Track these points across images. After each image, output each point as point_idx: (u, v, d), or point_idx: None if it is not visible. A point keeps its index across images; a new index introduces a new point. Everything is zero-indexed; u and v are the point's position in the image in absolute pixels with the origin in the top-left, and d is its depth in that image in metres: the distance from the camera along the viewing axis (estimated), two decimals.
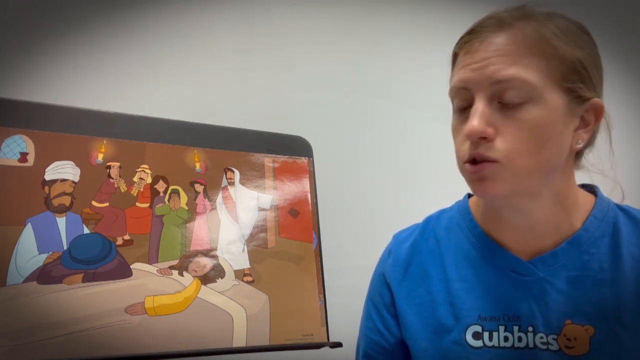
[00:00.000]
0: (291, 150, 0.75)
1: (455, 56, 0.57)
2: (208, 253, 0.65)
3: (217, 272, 0.65)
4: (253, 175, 0.71)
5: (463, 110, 0.54)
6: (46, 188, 0.58)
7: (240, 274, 0.66)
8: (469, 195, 0.68)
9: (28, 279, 0.54)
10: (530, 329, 0.56)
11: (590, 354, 0.53)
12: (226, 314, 0.62)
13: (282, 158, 0.73)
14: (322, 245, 0.76)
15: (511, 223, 0.58)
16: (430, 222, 0.68)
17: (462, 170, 0.55)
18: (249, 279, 0.66)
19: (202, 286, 0.63)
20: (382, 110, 1.25)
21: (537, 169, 0.52)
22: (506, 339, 0.57)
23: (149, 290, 0.59)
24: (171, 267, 0.62)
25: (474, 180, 0.53)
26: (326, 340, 0.66)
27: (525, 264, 0.58)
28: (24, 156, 0.57)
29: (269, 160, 0.72)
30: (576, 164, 0.60)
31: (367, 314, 0.69)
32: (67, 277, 0.56)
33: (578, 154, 0.59)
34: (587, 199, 0.61)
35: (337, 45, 1.20)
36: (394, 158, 1.22)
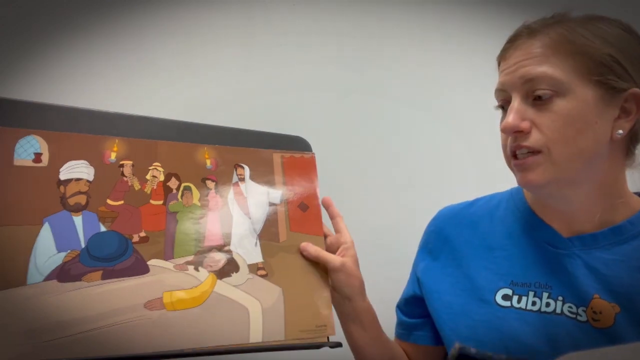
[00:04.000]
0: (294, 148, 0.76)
1: (499, 63, 0.65)
2: (222, 248, 0.66)
3: (231, 267, 0.66)
4: (262, 171, 0.72)
5: (504, 110, 0.62)
6: (61, 188, 0.58)
7: (254, 268, 0.67)
8: None
9: (48, 278, 0.54)
10: (560, 298, 0.60)
11: (614, 327, 0.57)
12: (242, 307, 0.63)
13: (290, 153, 0.74)
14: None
15: (555, 208, 0.63)
16: (480, 200, 0.76)
17: (508, 164, 0.62)
18: (263, 272, 0.67)
19: (218, 281, 0.64)
20: (382, 111, 1.27)
21: (574, 157, 0.57)
22: (534, 303, 0.60)
23: (167, 285, 0.60)
24: (187, 263, 0.63)
25: (519, 171, 0.59)
26: (333, 334, 0.67)
27: (563, 239, 0.62)
28: (38, 156, 0.58)
29: (277, 156, 0.73)
30: (629, 161, 0.63)
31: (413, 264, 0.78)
32: (87, 274, 0.56)
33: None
34: (638, 201, 0.64)
35: (338, 45, 1.22)
36: (394, 158, 1.24)
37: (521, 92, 0.58)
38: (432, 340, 0.72)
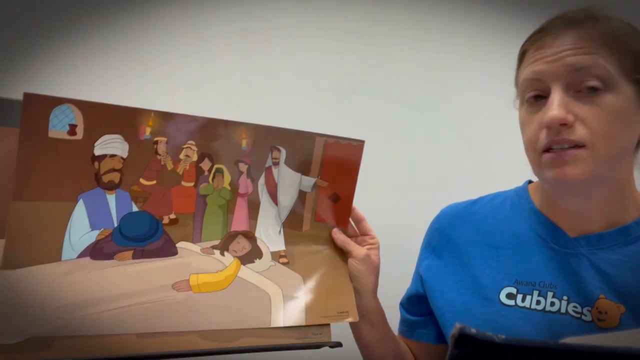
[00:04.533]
0: None
1: (524, 53, 0.61)
2: (247, 234, 0.67)
3: (255, 253, 0.67)
4: (300, 155, 0.70)
5: (535, 101, 0.58)
6: (96, 164, 0.57)
7: (276, 256, 0.68)
8: (529, 182, 0.72)
9: (81, 255, 0.55)
10: (565, 297, 0.60)
11: (619, 327, 0.57)
12: (264, 293, 0.65)
13: (335, 139, 0.71)
14: None
15: (565, 207, 0.62)
16: (484, 198, 0.74)
17: (534, 159, 0.59)
18: (285, 260, 0.68)
19: (242, 266, 0.65)
20: (382, 111, 1.26)
21: (614, 154, 0.56)
22: (538, 302, 0.61)
23: (193, 268, 0.61)
24: (213, 247, 0.64)
25: (555, 165, 0.56)
26: (356, 319, 0.68)
27: (569, 238, 0.62)
28: (72, 128, 0.56)
29: (320, 140, 0.70)
30: (636, 159, 0.62)
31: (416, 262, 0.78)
32: (118, 253, 0.57)
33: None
34: None
35: (338, 45, 1.19)
36: (395, 158, 1.23)
37: (563, 82, 0.55)
38: (435, 338, 0.75)
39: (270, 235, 0.69)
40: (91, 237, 0.56)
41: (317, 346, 0.65)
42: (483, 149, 1.23)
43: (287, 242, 0.70)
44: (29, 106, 0.53)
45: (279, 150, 0.69)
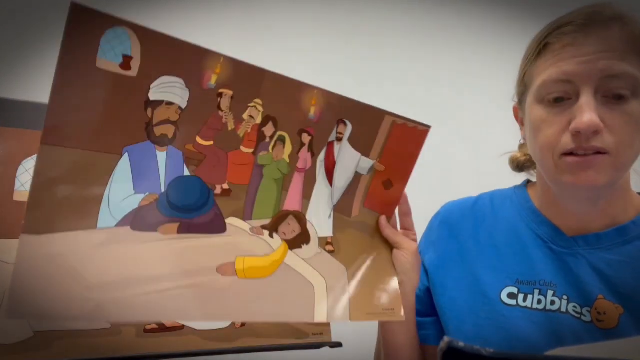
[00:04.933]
0: None
1: (546, 46, 0.56)
2: (298, 216, 0.58)
3: (303, 238, 0.59)
4: (365, 133, 0.61)
5: (558, 102, 0.55)
6: (149, 111, 0.45)
7: (323, 242, 0.61)
8: (527, 182, 0.71)
9: (121, 223, 0.44)
10: (565, 296, 0.59)
11: (618, 328, 0.57)
12: (308, 284, 0.58)
13: (403, 120, 0.63)
14: None
15: (569, 209, 0.61)
16: (483, 196, 0.72)
17: (550, 161, 0.56)
18: (331, 248, 0.61)
19: (289, 251, 0.57)
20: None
21: (632, 161, 0.56)
22: (539, 301, 0.60)
23: (241, 250, 0.52)
24: (263, 227, 0.55)
25: (578, 170, 0.54)
26: (402, 319, 0.65)
27: (567, 238, 0.61)
28: (127, 60, 0.43)
29: (388, 119, 0.62)
30: None
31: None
32: (163, 225, 0.46)
33: None
34: (639, 199, 0.63)
35: (338, 45, 1.19)
36: None
37: (594, 86, 0.53)
38: (439, 340, 0.72)
39: (320, 218, 0.61)
40: (134, 201, 0.45)
41: (317, 346, 0.63)
42: (485, 149, 1.23)
43: (336, 228, 0.62)
44: (76, 22, 0.39)
45: (345, 124, 0.60)
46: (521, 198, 0.67)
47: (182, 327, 0.54)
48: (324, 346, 0.63)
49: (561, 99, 0.54)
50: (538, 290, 0.60)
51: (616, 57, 0.52)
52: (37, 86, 1.00)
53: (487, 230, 0.67)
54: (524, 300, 0.60)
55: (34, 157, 0.51)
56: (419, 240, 0.74)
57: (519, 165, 0.71)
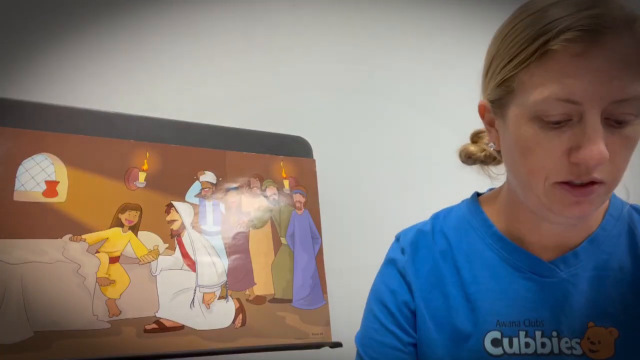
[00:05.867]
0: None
1: (547, 52, 0.46)
2: None
3: None
4: None
5: (555, 122, 0.47)
6: None
7: None
8: (478, 194, 0.64)
9: None
10: (554, 333, 0.55)
11: (615, 356, 0.52)
12: None
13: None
14: (325, 246, 0.76)
15: (543, 229, 0.55)
16: (438, 221, 0.63)
17: (541, 187, 0.49)
18: None
19: None
20: (383, 111, 1.23)
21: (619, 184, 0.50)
22: (527, 345, 0.54)
23: None
24: None
25: (573, 201, 0.48)
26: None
27: (546, 264, 0.55)
28: None
29: None
30: None
31: (373, 316, 0.62)
32: None
33: None
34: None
35: (338, 45, 1.19)
36: (396, 158, 1.23)
37: (601, 110, 0.45)
38: None
39: None
40: None
41: (317, 346, 0.64)
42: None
43: None
44: None
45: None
46: (480, 221, 0.60)
47: (182, 327, 0.55)
48: (324, 346, 0.64)
49: (562, 120, 0.47)
50: (524, 332, 0.55)
51: (629, 75, 0.45)
52: (37, 86, 0.98)
53: (452, 268, 0.59)
54: (510, 345, 0.54)
55: (34, 157, 0.52)
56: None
57: (471, 158, 0.63)
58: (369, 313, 0.63)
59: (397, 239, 0.65)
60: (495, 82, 0.52)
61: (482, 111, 0.56)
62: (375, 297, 0.63)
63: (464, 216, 0.61)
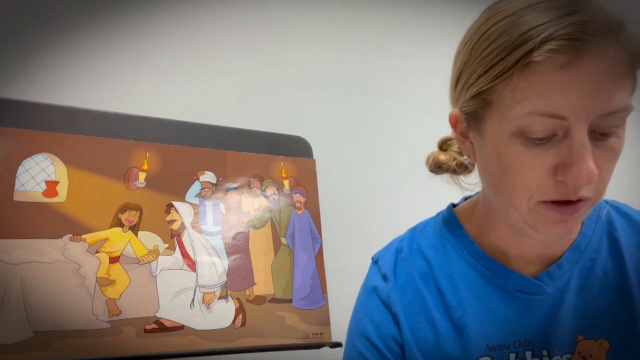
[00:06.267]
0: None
1: (529, 63, 0.42)
2: None
3: None
4: None
5: (539, 139, 0.43)
6: None
7: None
8: (454, 205, 0.61)
9: None
10: (545, 352, 0.52)
11: None
12: None
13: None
14: (325, 246, 0.76)
15: (523, 240, 0.53)
16: (415, 240, 0.60)
17: (525, 205, 0.46)
18: None
19: None
20: (383, 111, 1.23)
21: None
22: None
23: None
24: None
25: (559, 220, 0.45)
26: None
27: (532, 281, 0.53)
28: None
29: None
30: None
31: (357, 352, 0.57)
32: None
33: None
34: None
35: (338, 45, 1.19)
36: (396, 158, 1.23)
37: (588, 124, 0.42)
38: None
39: None
40: None
41: (317, 346, 0.64)
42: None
43: None
44: None
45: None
46: (459, 237, 0.57)
47: (182, 327, 0.54)
48: (324, 346, 0.64)
49: (548, 137, 0.44)
50: (514, 354, 0.53)
51: (616, 86, 0.42)
52: (37, 86, 0.99)
53: (435, 291, 0.56)
54: None
55: (34, 157, 0.51)
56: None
57: (441, 168, 0.59)
58: (351, 350, 0.58)
59: (375, 261, 0.61)
60: (469, 94, 0.47)
61: (454, 122, 0.52)
62: (358, 331, 0.58)
63: (441, 233, 0.58)
